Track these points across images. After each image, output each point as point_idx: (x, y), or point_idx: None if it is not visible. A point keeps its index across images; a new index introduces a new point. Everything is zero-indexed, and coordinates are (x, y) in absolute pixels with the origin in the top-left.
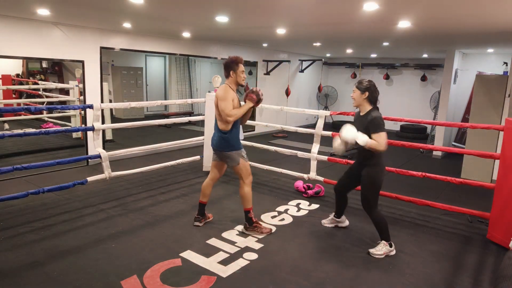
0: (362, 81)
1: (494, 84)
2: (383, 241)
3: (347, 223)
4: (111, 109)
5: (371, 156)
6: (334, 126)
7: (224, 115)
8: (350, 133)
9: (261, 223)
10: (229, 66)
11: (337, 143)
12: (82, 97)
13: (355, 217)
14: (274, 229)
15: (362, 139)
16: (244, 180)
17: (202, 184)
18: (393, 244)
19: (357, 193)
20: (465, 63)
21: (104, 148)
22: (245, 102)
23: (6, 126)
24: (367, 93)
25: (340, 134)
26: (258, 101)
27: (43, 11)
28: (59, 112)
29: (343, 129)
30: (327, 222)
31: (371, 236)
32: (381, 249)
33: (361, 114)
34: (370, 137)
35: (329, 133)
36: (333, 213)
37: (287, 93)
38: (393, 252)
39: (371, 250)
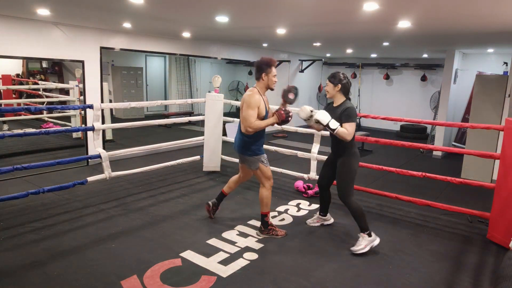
0: (335, 74)
1: (494, 84)
2: (361, 233)
3: (332, 220)
4: (111, 109)
5: (345, 146)
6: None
7: (245, 124)
8: (325, 116)
9: (275, 226)
10: (262, 68)
11: (306, 111)
12: (82, 97)
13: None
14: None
15: (334, 124)
16: (264, 184)
17: (232, 177)
18: (373, 233)
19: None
20: (465, 63)
21: (104, 148)
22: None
23: (6, 126)
24: (339, 86)
25: (316, 115)
26: (283, 122)
27: (43, 11)
28: (59, 112)
29: (320, 112)
30: (312, 222)
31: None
32: (360, 243)
33: (334, 105)
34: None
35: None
36: (318, 212)
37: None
38: (377, 241)
39: (352, 248)
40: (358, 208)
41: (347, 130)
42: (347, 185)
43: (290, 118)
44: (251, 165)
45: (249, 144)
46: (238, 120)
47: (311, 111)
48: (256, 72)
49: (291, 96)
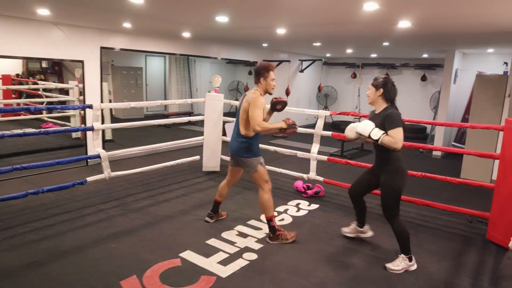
0: (378, 77)
1: (494, 84)
2: (402, 255)
3: (370, 233)
4: (110, 109)
5: (388, 160)
6: (334, 126)
7: (254, 123)
8: (366, 126)
9: (283, 229)
10: (260, 73)
11: (349, 131)
12: (82, 97)
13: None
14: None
15: (376, 134)
16: (262, 187)
17: (219, 185)
18: (413, 258)
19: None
20: (465, 63)
21: (103, 148)
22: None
23: None
24: (381, 90)
25: (356, 127)
26: (287, 129)
27: (43, 11)
28: (59, 112)
29: (361, 122)
30: (348, 231)
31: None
32: (399, 264)
33: (376, 112)
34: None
35: (329, 133)
36: (355, 222)
37: (287, 93)
38: (414, 267)
39: (387, 265)
40: (403, 231)
41: (393, 138)
42: (393, 206)
43: (295, 129)
44: (250, 168)
45: (249, 145)
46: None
47: (357, 132)
48: (255, 76)
49: (278, 107)
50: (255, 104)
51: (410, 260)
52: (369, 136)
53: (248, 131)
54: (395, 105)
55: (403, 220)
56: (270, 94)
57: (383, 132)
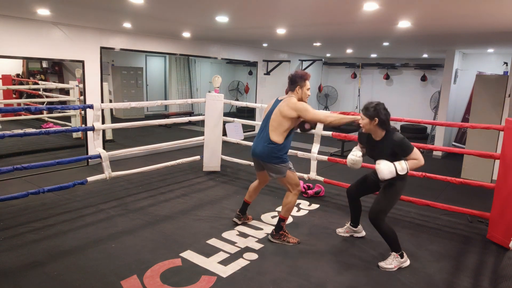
0: (368, 106)
1: (494, 84)
2: (393, 253)
3: (363, 233)
4: (111, 109)
5: None
6: (334, 126)
7: (321, 117)
8: (389, 169)
9: (288, 232)
10: (296, 81)
11: (356, 161)
12: (82, 97)
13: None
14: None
15: (401, 168)
16: (291, 190)
17: (250, 185)
18: (405, 254)
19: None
20: (465, 63)
21: (104, 148)
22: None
23: None
24: (376, 120)
25: (377, 171)
26: (359, 126)
27: (43, 11)
28: (59, 112)
29: (379, 167)
30: (342, 231)
31: (371, 235)
32: (391, 262)
33: (377, 139)
34: (399, 159)
35: (329, 133)
36: (349, 222)
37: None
38: (407, 263)
39: (380, 264)
40: (390, 230)
41: (416, 160)
42: (384, 209)
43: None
44: (278, 173)
45: (277, 152)
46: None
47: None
48: (290, 84)
49: (307, 126)
50: (303, 108)
51: (402, 256)
52: (397, 173)
53: (281, 137)
54: (391, 126)
55: (404, 220)
56: (305, 103)
57: (403, 161)
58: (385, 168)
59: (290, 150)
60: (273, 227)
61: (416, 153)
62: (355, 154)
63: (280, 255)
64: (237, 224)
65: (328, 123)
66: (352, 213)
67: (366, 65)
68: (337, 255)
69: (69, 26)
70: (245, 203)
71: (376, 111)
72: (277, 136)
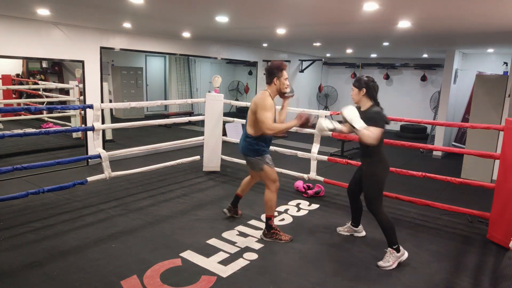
0: (359, 78)
1: (494, 84)
2: (389, 248)
3: (364, 233)
4: (111, 109)
5: (370, 152)
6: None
7: (264, 127)
8: (352, 113)
9: (280, 230)
10: (273, 73)
11: (321, 127)
12: (82, 97)
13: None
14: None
15: (359, 123)
16: (268, 187)
17: (243, 180)
18: (401, 248)
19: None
20: (465, 63)
21: (104, 148)
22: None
23: (0, 125)
24: (364, 90)
25: (342, 110)
26: (303, 125)
27: (43, 11)
28: (59, 112)
29: (346, 107)
30: (342, 230)
31: (371, 235)
32: (389, 259)
33: (362, 109)
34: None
35: (329, 133)
36: (350, 221)
37: None
38: (405, 256)
39: (379, 263)
40: (387, 221)
41: (371, 133)
42: (374, 196)
43: (310, 124)
44: (255, 167)
45: (253, 144)
46: (241, 121)
47: (327, 127)
48: (267, 77)
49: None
50: (263, 107)
51: (398, 250)
52: (350, 123)
53: (254, 130)
54: (378, 102)
55: (404, 220)
56: (284, 93)
57: (364, 124)
58: (352, 110)
59: (290, 150)
60: (263, 231)
61: (375, 129)
62: (327, 125)
63: (280, 255)
64: (226, 215)
65: (267, 134)
66: (352, 212)
67: (366, 65)
68: (337, 255)
69: (69, 26)
70: (237, 197)
71: (364, 82)
72: (251, 129)
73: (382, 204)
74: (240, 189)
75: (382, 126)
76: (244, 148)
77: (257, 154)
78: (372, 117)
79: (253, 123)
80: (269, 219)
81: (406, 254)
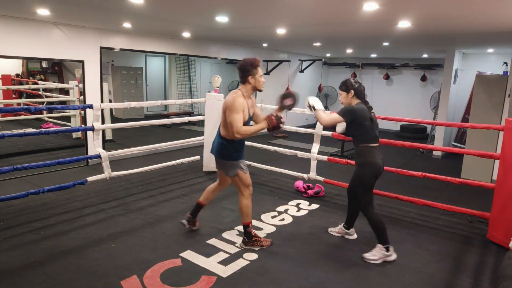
0: (345, 82)
1: (494, 84)
2: (379, 245)
3: (355, 236)
4: (111, 109)
5: (358, 154)
6: (334, 126)
7: (232, 130)
8: (315, 98)
9: (260, 236)
10: (247, 70)
11: (311, 100)
12: (82, 97)
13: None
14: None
15: (319, 105)
16: (242, 193)
17: (207, 187)
18: (391, 249)
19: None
20: (465, 63)
21: (104, 148)
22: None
23: None
24: (352, 92)
25: (307, 98)
26: (274, 128)
27: (43, 11)
28: (59, 112)
29: (312, 96)
30: (334, 231)
31: (372, 235)
32: (376, 254)
33: None
34: (349, 128)
35: (329, 133)
36: (343, 223)
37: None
38: (392, 257)
39: (365, 255)
40: (375, 220)
41: (329, 117)
42: (360, 197)
43: (282, 125)
44: (228, 171)
45: (228, 148)
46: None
47: (313, 104)
48: (241, 76)
49: (288, 102)
50: (232, 108)
51: (387, 250)
52: (309, 105)
53: (227, 132)
54: (366, 101)
55: (404, 220)
56: (260, 91)
57: (322, 107)
58: (315, 98)
59: (289, 150)
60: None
61: (334, 114)
62: (313, 102)
63: (280, 255)
64: (184, 226)
65: (235, 138)
66: (348, 214)
67: (366, 65)
68: (337, 255)
69: (69, 26)
70: (198, 205)
71: (350, 84)
72: (224, 130)
73: (371, 204)
74: (204, 197)
75: (345, 117)
76: (218, 150)
77: (232, 158)
78: (346, 108)
79: (226, 124)
80: (247, 226)
81: (394, 256)
